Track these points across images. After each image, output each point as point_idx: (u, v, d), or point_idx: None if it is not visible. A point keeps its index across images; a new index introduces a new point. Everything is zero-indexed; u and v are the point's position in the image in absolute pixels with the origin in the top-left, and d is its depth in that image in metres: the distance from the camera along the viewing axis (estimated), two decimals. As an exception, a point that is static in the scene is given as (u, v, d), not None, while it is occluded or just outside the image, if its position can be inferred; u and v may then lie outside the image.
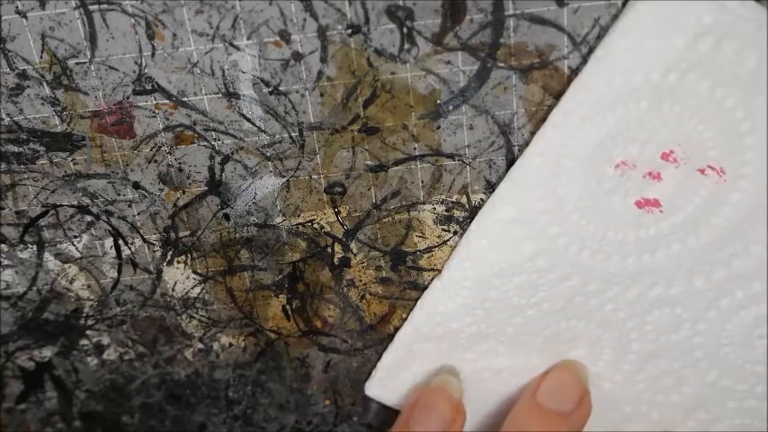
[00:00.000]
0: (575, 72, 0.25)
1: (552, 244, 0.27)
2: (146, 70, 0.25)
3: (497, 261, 0.28)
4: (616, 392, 0.32)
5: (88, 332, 0.32)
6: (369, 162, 0.27)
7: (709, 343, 0.30)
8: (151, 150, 0.27)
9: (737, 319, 0.29)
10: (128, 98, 0.26)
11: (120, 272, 0.30)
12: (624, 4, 0.24)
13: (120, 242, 0.29)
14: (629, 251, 0.28)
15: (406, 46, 0.25)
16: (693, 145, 0.25)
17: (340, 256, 0.30)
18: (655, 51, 0.24)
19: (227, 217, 0.29)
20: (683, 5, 0.23)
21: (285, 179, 0.28)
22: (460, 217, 0.28)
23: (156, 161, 0.27)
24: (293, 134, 0.27)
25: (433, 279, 0.30)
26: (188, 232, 0.29)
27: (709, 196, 0.26)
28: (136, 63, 0.25)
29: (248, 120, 0.26)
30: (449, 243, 0.29)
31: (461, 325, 0.30)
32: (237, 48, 0.25)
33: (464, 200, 0.28)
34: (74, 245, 0.30)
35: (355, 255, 0.30)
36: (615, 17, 0.24)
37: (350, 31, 0.24)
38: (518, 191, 0.27)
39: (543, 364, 0.31)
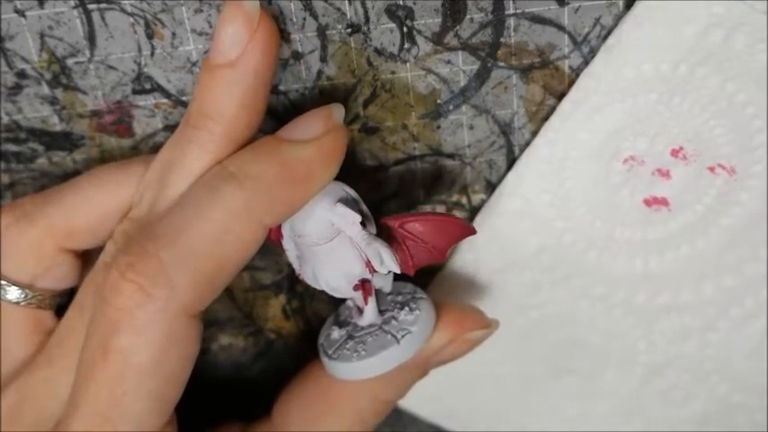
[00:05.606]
0: (575, 71, 0.25)
1: (558, 240, 0.27)
2: (145, 69, 0.25)
3: (501, 255, 0.28)
4: (623, 407, 0.31)
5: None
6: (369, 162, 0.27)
7: (720, 355, 0.29)
8: (150, 149, 0.27)
9: (748, 330, 0.28)
10: (127, 97, 0.26)
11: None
12: (625, 4, 0.24)
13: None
14: (637, 252, 0.27)
15: (406, 45, 0.25)
16: (704, 142, 0.25)
17: (340, 256, 0.29)
18: (665, 42, 0.23)
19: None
20: None
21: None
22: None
23: (155, 160, 0.27)
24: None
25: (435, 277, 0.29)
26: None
27: (718, 196, 0.26)
28: (135, 62, 0.25)
29: (248, 119, 0.26)
30: (449, 243, 0.29)
31: None
32: (237, 47, 0.25)
33: (464, 200, 0.28)
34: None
35: (355, 255, 0.29)
36: (616, 16, 0.24)
37: (350, 30, 0.24)
38: (525, 183, 0.26)
39: (545, 375, 0.31)
